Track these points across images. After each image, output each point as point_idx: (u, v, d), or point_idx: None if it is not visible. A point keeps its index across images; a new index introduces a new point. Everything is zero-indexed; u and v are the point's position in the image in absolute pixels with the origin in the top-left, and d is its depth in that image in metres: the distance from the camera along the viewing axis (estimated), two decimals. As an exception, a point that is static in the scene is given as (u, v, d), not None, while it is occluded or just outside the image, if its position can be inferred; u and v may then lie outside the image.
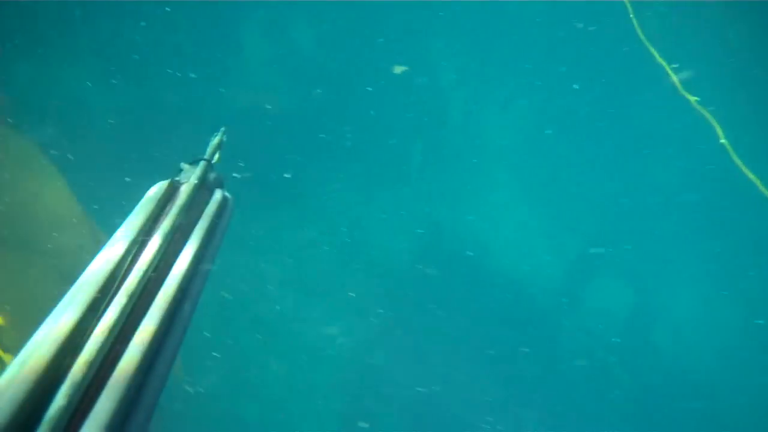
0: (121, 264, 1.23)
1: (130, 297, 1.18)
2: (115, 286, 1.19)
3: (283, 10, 9.14)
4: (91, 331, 1.10)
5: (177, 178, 1.38)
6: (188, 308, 1.26)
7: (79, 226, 6.11)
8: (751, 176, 8.71)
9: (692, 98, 8.45)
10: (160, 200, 1.33)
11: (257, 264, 8.68)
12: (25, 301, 5.10)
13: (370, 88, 9.03)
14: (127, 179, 7.34)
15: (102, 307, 1.15)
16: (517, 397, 9.07)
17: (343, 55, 9.23)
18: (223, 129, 1.49)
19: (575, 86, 9.36)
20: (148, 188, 1.37)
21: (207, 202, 1.39)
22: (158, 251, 1.26)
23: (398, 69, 9.03)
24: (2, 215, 5.32)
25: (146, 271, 1.23)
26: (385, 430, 8.48)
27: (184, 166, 1.40)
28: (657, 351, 9.90)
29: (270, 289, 8.64)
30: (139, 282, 1.21)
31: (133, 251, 1.26)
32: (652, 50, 8.45)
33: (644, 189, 10.01)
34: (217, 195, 1.41)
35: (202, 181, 1.38)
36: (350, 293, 9.00)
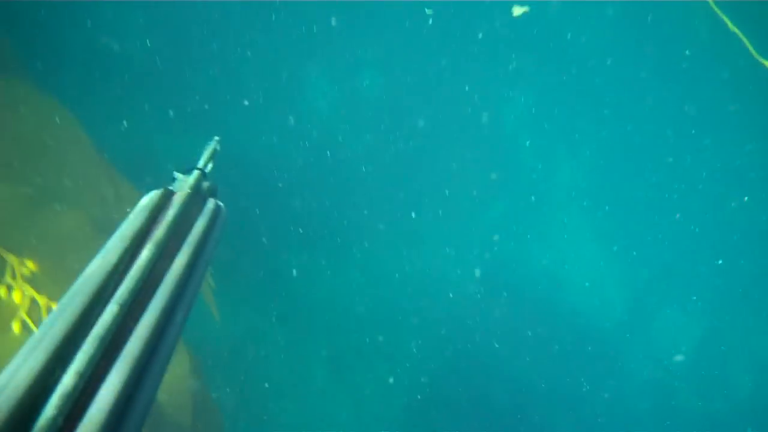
0: (113, 273, 1.27)
1: (122, 306, 1.22)
2: (108, 295, 1.23)
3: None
4: (82, 341, 1.13)
5: (170, 187, 1.41)
6: (180, 317, 1.31)
7: (102, 178, 6.23)
8: None
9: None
10: (153, 209, 1.35)
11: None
12: (56, 249, 5.26)
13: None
14: (152, 134, 7.45)
15: (94, 317, 1.19)
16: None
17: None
18: (216, 138, 1.51)
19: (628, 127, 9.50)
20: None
21: (200, 211, 1.42)
22: (150, 260, 1.29)
23: (518, 10, 8.78)
24: (28, 169, 5.46)
25: (138, 280, 1.26)
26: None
27: (178, 175, 1.43)
28: (728, 384, 9.99)
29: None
30: (131, 291, 1.24)
31: (126, 260, 1.30)
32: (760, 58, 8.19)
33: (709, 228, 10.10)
34: (210, 204, 1.43)
35: (196, 190, 1.41)
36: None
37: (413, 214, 10.13)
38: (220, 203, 1.46)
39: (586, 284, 10.27)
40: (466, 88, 9.54)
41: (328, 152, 9.42)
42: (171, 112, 8.23)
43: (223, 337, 8.39)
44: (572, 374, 9.63)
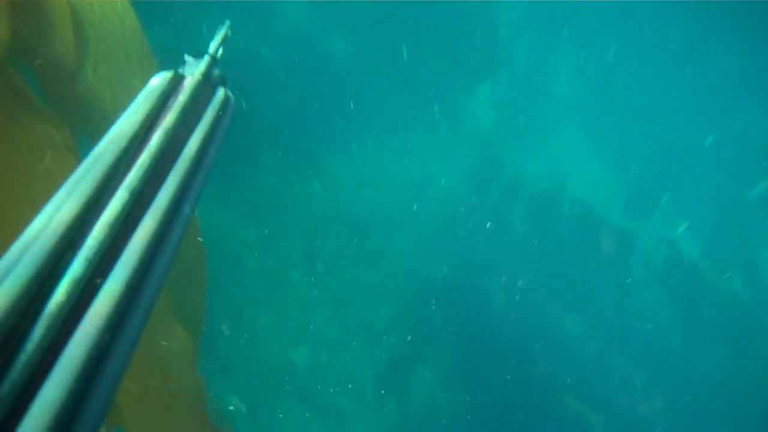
0: (122, 158, 1.22)
1: (132, 193, 1.18)
2: (117, 181, 1.19)
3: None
4: (91, 227, 1.10)
5: (180, 71, 1.33)
6: (188, 209, 1.28)
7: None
8: None
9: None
10: (163, 92, 1.29)
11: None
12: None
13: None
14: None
15: (102, 202, 1.16)
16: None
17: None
18: (228, 23, 1.42)
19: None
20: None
21: (210, 99, 1.35)
22: (160, 147, 1.25)
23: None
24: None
25: (148, 168, 1.22)
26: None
27: (188, 58, 1.35)
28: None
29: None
30: (141, 178, 1.21)
31: (135, 145, 1.25)
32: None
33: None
34: (220, 93, 1.37)
35: (206, 76, 1.34)
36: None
37: (403, 120, 10.06)
38: (230, 93, 1.40)
39: (587, 180, 10.62)
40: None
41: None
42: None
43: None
44: (579, 265, 9.88)
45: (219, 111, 1.35)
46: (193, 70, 1.33)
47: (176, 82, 1.32)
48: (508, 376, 8.59)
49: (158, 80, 1.32)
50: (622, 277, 9.79)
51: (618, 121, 11.55)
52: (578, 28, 11.32)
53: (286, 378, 8.36)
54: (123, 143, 1.23)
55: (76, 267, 1.04)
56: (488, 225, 9.72)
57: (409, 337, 8.87)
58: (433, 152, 10.63)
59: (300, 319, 8.76)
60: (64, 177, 1.20)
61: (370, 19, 9.60)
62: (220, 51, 1.38)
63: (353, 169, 9.81)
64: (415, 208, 9.72)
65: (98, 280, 1.07)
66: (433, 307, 9.05)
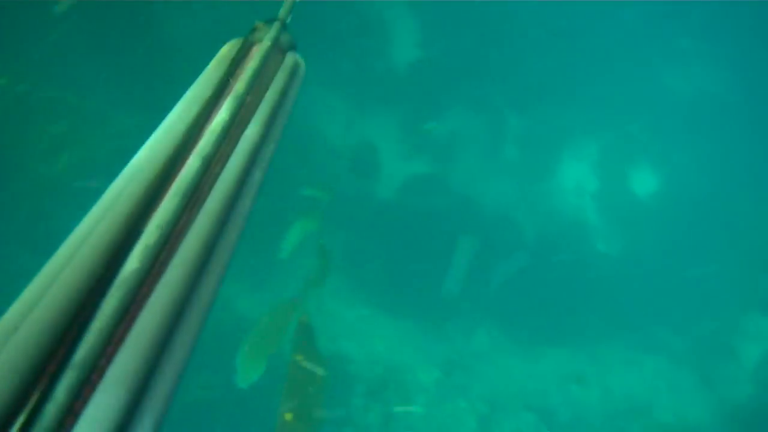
0: (194, 125, 1.23)
1: (204, 160, 1.19)
2: (189, 148, 1.20)
3: None
4: (162, 202, 1.11)
5: (249, 38, 1.33)
6: (258, 176, 1.28)
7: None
8: None
9: None
10: (234, 59, 1.29)
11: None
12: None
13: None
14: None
15: (175, 169, 1.17)
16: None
17: None
18: (298, -13, 1.40)
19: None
20: None
21: (279, 65, 1.34)
22: (231, 114, 1.25)
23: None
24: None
25: (219, 135, 1.23)
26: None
27: (258, 24, 1.34)
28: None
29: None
30: (213, 145, 1.21)
31: (207, 111, 1.26)
32: None
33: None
34: (290, 59, 1.36)
35: (276, 43, 1.32)
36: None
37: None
38: (300, 59, 1.38)
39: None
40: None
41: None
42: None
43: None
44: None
45: (289, 77, 1.34)
46: (263, 37, 1.32)
47: (247, 48, 1.32)
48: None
49: (229, 47, 1.32)
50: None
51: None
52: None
53: None
54: (195, 110, 1.24)
55: (149, 235, 1.04)
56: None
57: None
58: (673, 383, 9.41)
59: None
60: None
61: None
62: (290, 17, 1.36)
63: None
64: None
65: (170, 248, 1.08)
66: None
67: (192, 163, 1.18)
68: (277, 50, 1.34)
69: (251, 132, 1.28)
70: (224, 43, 1.34)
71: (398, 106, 8.85)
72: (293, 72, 1.36)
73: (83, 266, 0.95)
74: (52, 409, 0.79)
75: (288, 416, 4.25)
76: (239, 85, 1.26)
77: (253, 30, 1.34)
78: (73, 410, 0.80)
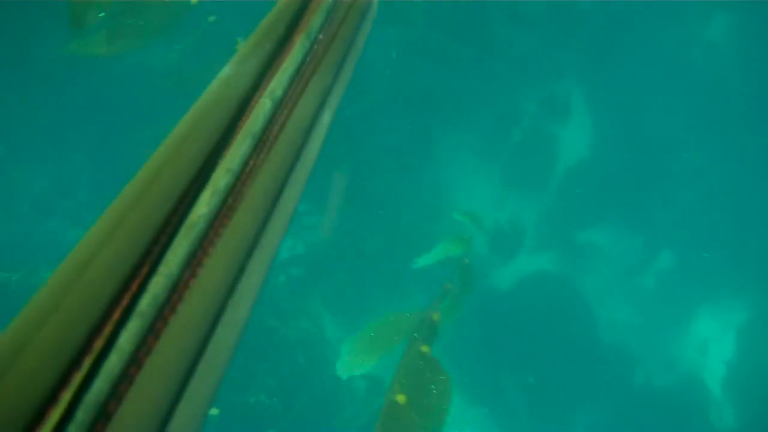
0: (267, 64, 1.20)
1: (274, 102, 1.17)
2: (260, 89, 1.18)
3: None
4: (232, 144, 1.10)
5: None
6: (327, 117, 1.26)
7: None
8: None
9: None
10: (305, -3, 1.25)
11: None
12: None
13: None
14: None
15: (245, 111, 1.14)
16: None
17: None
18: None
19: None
20: None
21: (351, 4, 1.30)
22: (303, 52, 1.22)
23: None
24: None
25: (292, 74, 1.20)
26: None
27: None
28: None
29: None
30: (284, 86, 1.18)
31: (279, 51, 1.22)
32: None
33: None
34: None
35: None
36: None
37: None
38: None
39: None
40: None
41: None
42: None
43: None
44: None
45: (361, 16, 1.29)
46: None
47: (320, -15, 1.27)
48: None
49: None
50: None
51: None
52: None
53: None
54: (268, 47, 1.21)
55: (218, 178, 1.03)
56: None
57: None
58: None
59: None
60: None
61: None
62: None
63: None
64: None
65: (238, 192, 1.06)
66: None
67: (263, 104, 1.15)
68: None
69: (323, 72, 1.25)
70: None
71: (551, 198, 7.99)
72: (365, 11, 1.32)
73: (150, 211, 0.92)
74: (125, 346, 0.80)
75: (400, 398, 3.90)
76: (312, 22, 1.22)
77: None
78: (138, 360, 0.80)
